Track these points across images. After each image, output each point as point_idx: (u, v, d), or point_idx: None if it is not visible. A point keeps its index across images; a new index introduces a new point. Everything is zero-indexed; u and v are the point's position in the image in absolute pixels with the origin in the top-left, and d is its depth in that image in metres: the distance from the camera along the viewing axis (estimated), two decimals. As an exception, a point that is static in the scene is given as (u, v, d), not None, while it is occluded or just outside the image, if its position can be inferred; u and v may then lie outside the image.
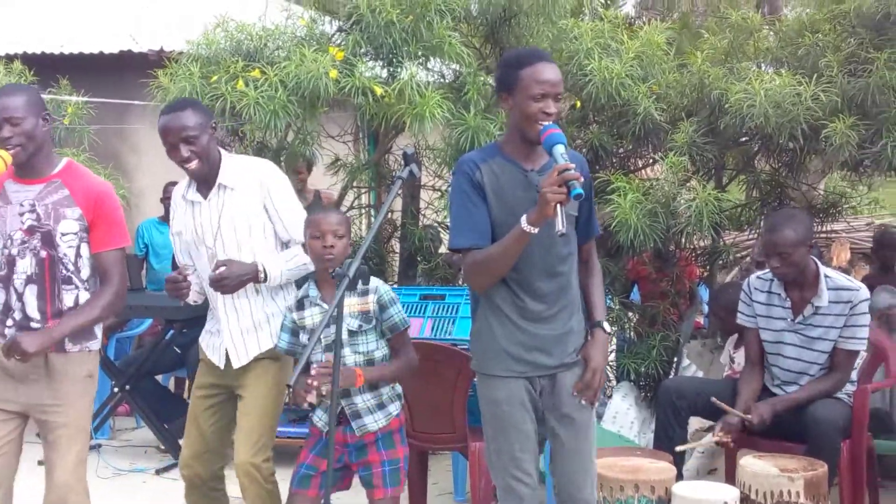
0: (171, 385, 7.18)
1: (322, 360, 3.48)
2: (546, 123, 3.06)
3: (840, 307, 4.38)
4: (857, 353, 4.51)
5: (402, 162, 3.23)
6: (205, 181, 3.70)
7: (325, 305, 3.54)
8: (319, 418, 3.62)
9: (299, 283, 3.77)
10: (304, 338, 3.59)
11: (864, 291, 4.43)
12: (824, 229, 6.82)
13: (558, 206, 2.90)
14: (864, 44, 5.15)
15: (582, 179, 2.91)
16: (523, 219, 2.98)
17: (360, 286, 3.54)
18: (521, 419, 3.24)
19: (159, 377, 6.68)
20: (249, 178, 3.70)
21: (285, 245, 3.79)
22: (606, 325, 3.35)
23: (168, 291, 3.73)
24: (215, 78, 5.12)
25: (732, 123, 5.18)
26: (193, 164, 3.62)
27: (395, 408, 3.67)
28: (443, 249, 6.21)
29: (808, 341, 4.44)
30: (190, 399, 3.95)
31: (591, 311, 3.36)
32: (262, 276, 3.67)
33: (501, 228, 3.12)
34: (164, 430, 6.01)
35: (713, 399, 4.35)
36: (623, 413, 5.68)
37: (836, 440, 4.24)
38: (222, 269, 3.60)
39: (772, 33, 5.95)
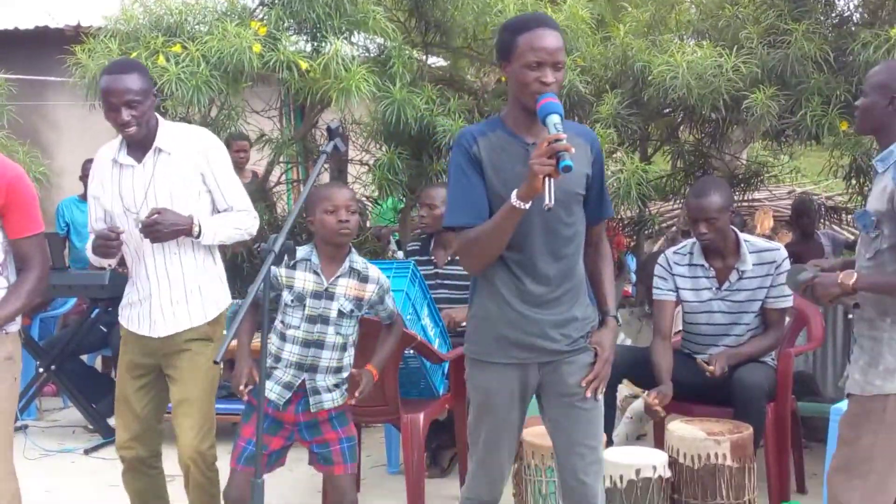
0: (98, 364, 7.07)
1: (300, 326, 3.48)
2: (545, 92, 2.84)
3: (765, 268, 4.49)
4: (786, 309, 4.62)
5: (327, 136, 3.19)
6: (140, 145, 3.62)
7: (322, 277, 3.50)
8: (271, 390, 3.53)
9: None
10: (287, 296, 3.51)
11: (783, 251, 4.56)
12: (747, 198, 6.96)
13: (548, 179, 2.70)
14: (782, 15, 5.24)
15: (573, 151, 2.69)
16: (514, 194, 2.79)
17: (361, 271, 3.54)
18: (509, 409, 3.08)
19: (85, 357, 6.58)
20: (189, 144, 3.62)
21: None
22: (618, 314, 3.21)
23: (98, 249, 3.63)
24: (135, 54, 5.02)
25: (656, 95, 5.24)
26: (132, 130, 3.53)
27: (347, 388, 3.67)
28: (369, 224, 6.20)
29: (736, 305, 4.54)
30: (117, 379, 3.88)
31: (602, 299, 3.16)
32: (197, 229, 3.59)
33: (499, 205, 2.89)
34: (91, 409, 5.94)
35: (698, 359, 4.39)
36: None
37: (761, 403, 4.34)
38: (156, 215, 3.51)
39: (693, 6, 6.02)
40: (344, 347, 3.56)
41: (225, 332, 3.73)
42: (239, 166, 5.75)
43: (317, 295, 3.49)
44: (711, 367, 4.32)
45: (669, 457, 3.99)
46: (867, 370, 3.16)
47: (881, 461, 3.11)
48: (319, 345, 3.50)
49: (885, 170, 3.18)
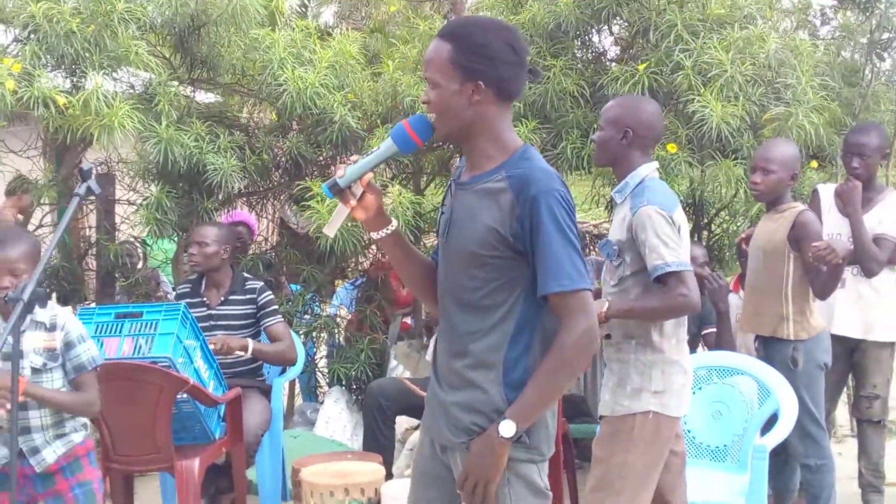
0: None
1: None
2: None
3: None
4: None
5: (80, 178, 3.07)
6: None
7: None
8: None
9: None
10: None
11: None
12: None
13: (342, 203, 2.50)
14: (541, 52, 5.46)
15: (342, 173, 2.46)
16: None
17: (48, 321, 3.34)
18: (430, 462, 2.64)
19: None
20: None
21: None
22: (509, 427, 2.37)
23: None
24: None
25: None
26: None
27: (78, 436, 3.48)
28: (140, 265, 6.02)
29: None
30: None
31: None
32: None
33: None
34: None
35: (404, 380, 4.41)
36: (335, 417, 5.72)
37: (531, 428, 4.46)
38: None
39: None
40: None
41: None
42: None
43: (6, 357, 3.19)
44: None
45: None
46: (616, 391, 3.32)
47: (633, 479, 3.27)
48: (23, 406, 3.29)
49: (623, 200, 3.36)
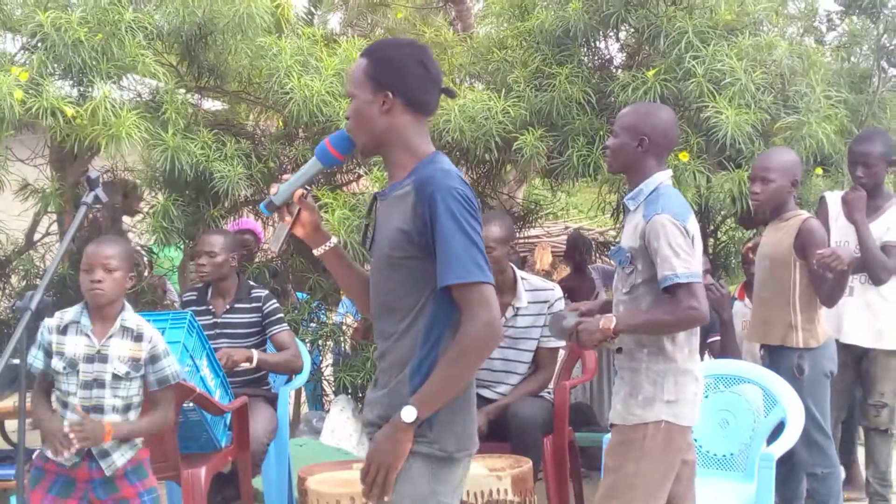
0: None
1: (77, 393, 3.34)
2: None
3: (538, 307, 4.65)
4: (557, 349, 4.78)
5: (87, 187, 3.08)
6: None
7: (94, 339, 3.37)
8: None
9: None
10: (58, 363, 3.36)
11: (558, 290, 4.74)
12: (524, 235, 7.18)
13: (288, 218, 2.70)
14: (547, 59, 5.46)
15: (275, 190, 2.69)
16: None
17: (135, 329, 3.41)
18: None
19: None
20: None
21: None
22: (410, 412, 2.44)
23: None
24: None
25: (431, 138, 5.31)
26: None
27: (140, 440, 3.55)
28: (146, 273, 6.01)
29: (512, 341, 4.67)
30: None
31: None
32: None
33: None
34: None
35: None
36: (341, 426, 5.71)
37: (536, 436, 4.47)
38: None
39: (465, 50, 6.18)
40: (128, 409, 3.46)
41: None
42: None
43: (89, 359, 3.36)
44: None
45: (453, 495, 4.03)
46: (627, 400, 3.31)
47: (643, 488, 3.26)
48: (99, 410, 3.38)
49: (636, 207, 3.35)
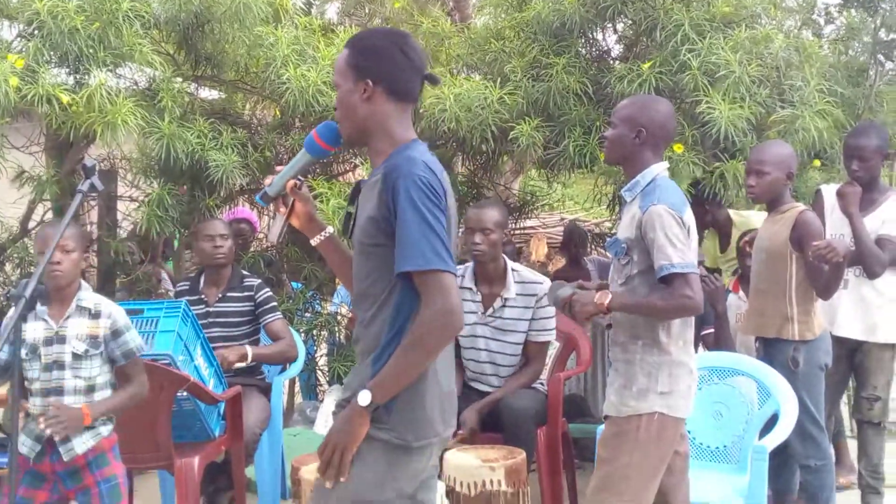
0: None
1: (39, 377, 3.40)
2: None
3: (526, 299, 4.66)
4: (547, 343, 4.78)
5: (83, 175, 3.08)
6: None
7: (51, 322, 3.43)
8: (23, 443, 3.43)
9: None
10: (22, 352, 3.37)
11: (548, 284, 4.73)
12: (520, 226, 7.17)
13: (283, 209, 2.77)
14: (544, 50, 5.44)
15: (269, 182, 2.74)
16: None
17: (92, 308, 3.46)
18: None
19: None
20: None
21: None
22: (365, 396, 2.44)
23: None
24: None
25: (428, 127, 5.33)
26: None
27: (105, 430, 3.55)
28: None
29: (498, 333, 4.68)
30: None
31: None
32: None
33: None
34: None
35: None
36: (335, 416, 5.71)
37: (530, 427, 4.47)
38: None
39: (462, 40, 6.17)
40: (91, 390, 3.48)
41: None
42: None
43: (48, 342, 3.40)
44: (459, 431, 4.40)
45: (447, 485, 4.04)
46: (622, 392, 3.32)
47: (636, 479, 3.27)
48: (59, 392, 3.42)
49: (633, 199, 3.36)
